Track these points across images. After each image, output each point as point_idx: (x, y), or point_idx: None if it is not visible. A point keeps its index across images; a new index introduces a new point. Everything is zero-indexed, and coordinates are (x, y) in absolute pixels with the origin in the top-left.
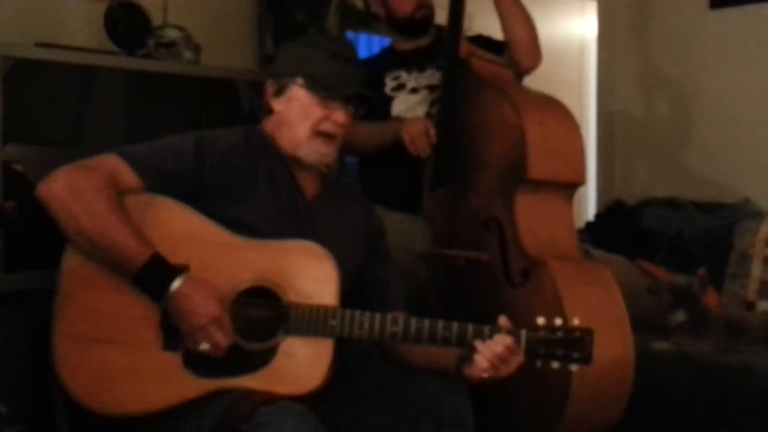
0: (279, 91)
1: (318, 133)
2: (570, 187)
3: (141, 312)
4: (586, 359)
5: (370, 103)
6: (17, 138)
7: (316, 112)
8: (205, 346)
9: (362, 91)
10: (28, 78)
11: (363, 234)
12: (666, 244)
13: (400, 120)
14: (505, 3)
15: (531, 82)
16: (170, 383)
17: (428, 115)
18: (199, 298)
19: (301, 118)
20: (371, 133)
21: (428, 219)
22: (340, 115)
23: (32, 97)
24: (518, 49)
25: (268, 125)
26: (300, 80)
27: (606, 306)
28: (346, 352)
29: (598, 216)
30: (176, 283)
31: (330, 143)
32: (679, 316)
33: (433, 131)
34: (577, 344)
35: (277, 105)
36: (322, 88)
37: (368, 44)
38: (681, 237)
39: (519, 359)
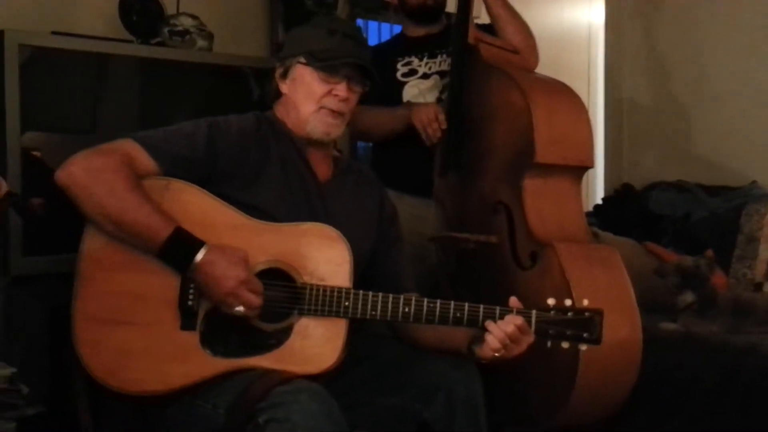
0: (284, 73)
1: (323, 108)
2: (578, 170)
3: (159, 293)
4: (596, 339)
5: (373, 77)
6: (35, 125)
7: (319, 87)
8: (239, 309)
9: (359, 61)
10: (45, 66)
11: (375, 217)
12: (673, 227)
13: (410, 106)
14: (495, 8)
15: (540, 68)
16: (188, 363)
17: (439, 100)
18: (225, 263)
19: (305, 96)
20: (383, 120)
21: (438, 203)
22: (341, 89)
23: (49, 85)
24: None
25: (278, 109)
26: (301, 58)
27: (614, 288)
28: (358, 333)
29: (605, 199)
30: (201, 253)
31: (336, 116)
32: (687, 297)
33: (443, 116)
34: (587, 324)
35: (284, 87)
36: (320, 61)
37: (378, 32)
38: (688, 220)
39: (530, 339)
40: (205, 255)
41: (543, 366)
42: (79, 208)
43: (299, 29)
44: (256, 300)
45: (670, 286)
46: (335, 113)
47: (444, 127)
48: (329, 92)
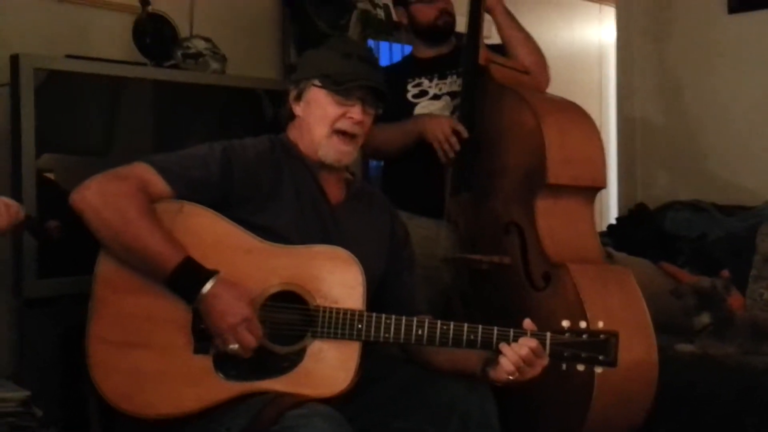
0: (298, 96)
1: (336, 132)
2: (590, 190)
3: (172, 316)
4: (611, 362)
5: (386, 99)
6: (50, 148)
7: (333, 110)
8: (234, 347)
9: (374, 84)
10: (59, 89)
11: (387, 240)
12: (689, 247)
13: (421, 118)
14: (506, 29)
15: (550, 88)
16: (201, 386)
17: None
18: (231, 299)
19: (319, 119)
20: (393, 136)
21: (451, 223)
22: (356, 112)
23: (63, 108)
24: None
25: (292, 132)
26: (316, 81)
27: (628, 309)
28: (371, 355)
29: (619, 219)
30: (208, 285)
31: (349, 142)
32: (704, 318)
33: (461, 126)
34: (602, 347)
35: (298, 109)
36: (334, 83)
37: (389, 52)
38: (704, 240)
39: (544, 362)
40: (211, 288)
41: (558, 388)
42: (92, 231)
43: (313, 52)
44: (252, 341)
45: (687, 307)
46: (348, 138)
47: (465, 136)
48: (343, 115)
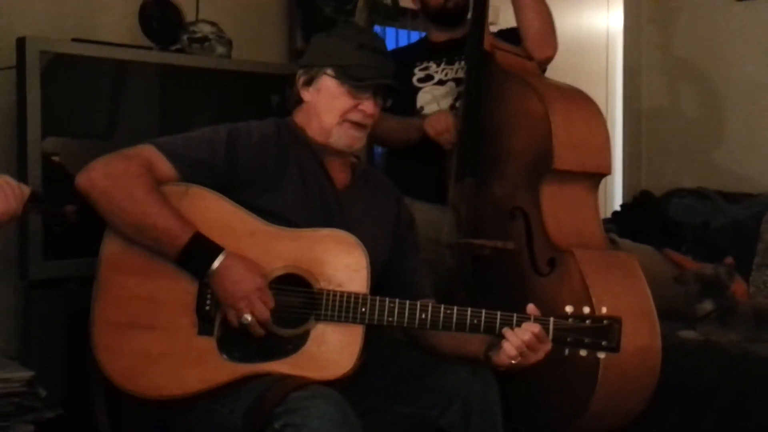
0: (308, 82)
1: (347, 121)
2: (595, 177)
3: (177, 298)
4: (614, 347)
5: (399, 93)
6: (55, 131)
7: (345, 102)
8: (247, 317)
9: (390, 82)
10: (66, 72)
11: (392, 224)
12: (692, 235)
13: (424, 117)
14: None
15: (557, 74)
16: (205, 367)
17: (452, 107)
18: (243, 270)
19: (330, 108)
20: (397, 130)
21: (453, 209)
22: (368, 105)
23: (69, 91)
24: (530, 39)
25: (298, 116)
26: (329, 70)
27: (633, 295)
28: (374, 339)
29: (624, 206)
30: (219, 259)
31: (358, 128)
32: (707, 305)
33: (451, 121)
34: (605, 332)
35: (307, 95)
36: (351, 78)
37: (395, 38)
38: (708, 227)
39: (547, 347)
40: (223, 261)
41: (562, 373)
42: (99, 213)
43: (326, 38)
44: (265, 311)
45: (690, 294)
46: (359, 126)
47: (457, 131)
48: (355, 107)
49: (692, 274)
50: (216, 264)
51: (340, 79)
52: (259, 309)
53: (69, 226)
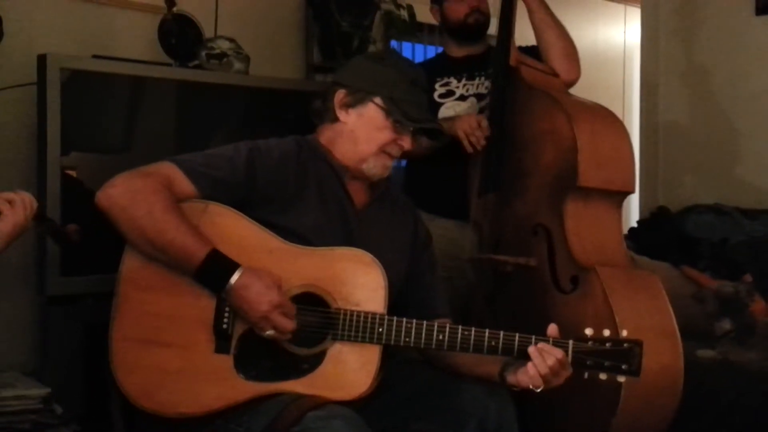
0: (351, 104)
1: (383, 152)
2: (619, 195)
3: (194, 315)
4: (634, 371)
5: (440, 136)
6: (74, 146)
7: (387, 134)
8: (270, 332)
9: (436, 126)
10: (85, 88)
11: (410, 243)
12: (711, 251)
13: (450, 119)
14: (538, 13)
15: (574, 88)
16: (222, 386)
17: None
18: (261, 287)
19: (370, 137)
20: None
21: (475, 224)
22: (407, 142)
23: (89, 106)
24: (552, 59)
25: (324, 134)
26: (378, 100)
27: (656, 314)
28: (389, 358)
29: (641, 222)
30: (237, 275)
31: (392, 159)
32: (725, 324)
33: (485, 123)
34: (625, 356)
35: (345, 116)
36: (403, 115)
37: (412, 53)
38: (726, 244)
39: (567, 372)
40: (239, 278)
41: (583, 393)
42: (118, 229)
43: (377, 66)
44: (288, 324)
45: (708, 312)
46: (393, 157)
47: (487, 134)
48: (394, 141)
49: (711, 292)
50: (233, 280)
51: (389, 111)
52: (281, 324)
53: (71, 245)
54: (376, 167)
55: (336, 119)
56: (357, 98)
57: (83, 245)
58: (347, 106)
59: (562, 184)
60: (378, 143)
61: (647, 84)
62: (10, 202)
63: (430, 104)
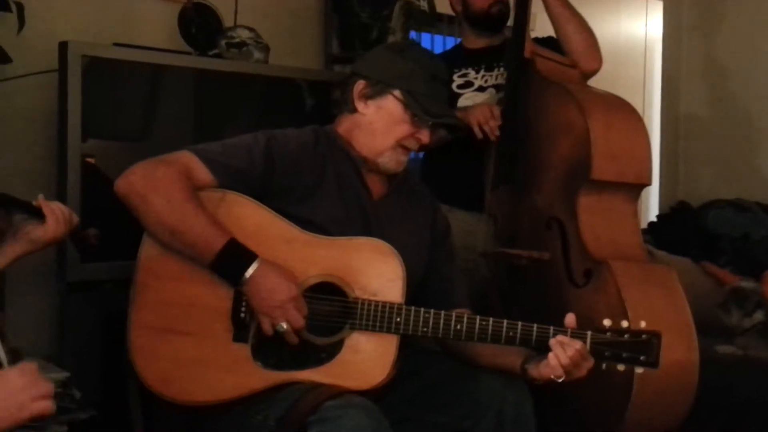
0: (370, 95)
1: (400, 146)
2: (635, 187)
3: (213, 304)
4: (653, 362)
5: (458, 131)
6: (94, 133)
7: (405, 128)
8: (282, 326)
9: (455, 122)
10: (106, 76)
11: (428, 233)
12: (731, 247)
13: (464, 108)
14: (555, 7)
15: (594, 81)
16: (239, 374)
17: None
18: (277, 278)
19: (388, 130)
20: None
21: (490, 217)
22: (425, 136)
23: (109, 94)
24: (572, 52)
25: (343, 125)
26: (397, 92)
27: (670, 308)
28: (407, 348)
29: (660, 217)
30: (253, 267)
31: (408, 154)
32: (759, 315)
33: (498, 112)
34: (644, 347)
35: (364, 107)
36: (422, 110)
37: (431, 44)
38: (747, 240)
39: (589, 364)
40: (257, 268)
41: (597, 386)
42: (136, 217)
43: (398, 58)
44: (300, 319)
45: (746, 307)
46: (408, 150)
47: (500, 123)
48: (412, 135)
49: (746, 291)
50: (250, 271)
51: (407, 105)
52: (294, 317)
53: (90, 248)
54: (390, 162)
55: (354, 110)
56: (376, 90)
57: (103, 232)
58: (366, 97)
59: (576, 177)
60: (396, 136)
61: (668, 78)
62: (56, 213)
63: (448, 97)
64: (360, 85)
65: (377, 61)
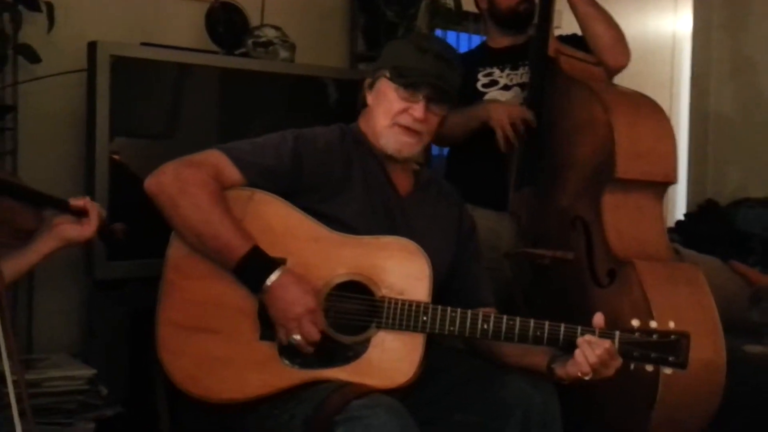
0: (371, 85)
1: (396, 125)
2: (660, 186)
3: (240, 303)
4: (681, 363)
5: (454, 100)
6: (123, 132)
7: (397, 104)
8: (296, 338)
9: (437, 81)
10: (134, 75)
11: (455, 231)
12: (761, 246)
13: (486, 103)
14: (580, 4)
15: (620, 79)
16: (266, 372)
17: None
18: (296, 290)
19: (383, 110)
20: (457, 121)
21: (514, 216)
22: (418, 109)
23: (137, 93)
24: (600, 49)
25: (362, 121)
26: (386, 72)
27: (696, 308)
28: (433, 346)
29: (688, 215)
30: (274, 276)
31: (410, 134)
32: None
33: (530, 115)
34: (672, 347)
35: (370, 98)
36: (400, 77)
37: (456, 42)
38: None
39: (618, 363)
40: (277, 278)
41: (622, 388)
42: (164, 216)
43: (394, 43)
44: (314, 334)
45: (761, 306)
46: (410, 131)
47: (534, 126)
48: (405, 110)
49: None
50: (272, 278)
51: (393, 80)
52: (309, 331)
53: (117, 243)
54: (389, 141)
55: (365, 104)
56: (375, 78)
57: (130, 230)
58: (369, 88)
59: (600, 177)
60: (390, 114)
61: (698, 75)
62: (89, 213)
63: (473, 93)
64: (368, 79)
65: (382, 53)
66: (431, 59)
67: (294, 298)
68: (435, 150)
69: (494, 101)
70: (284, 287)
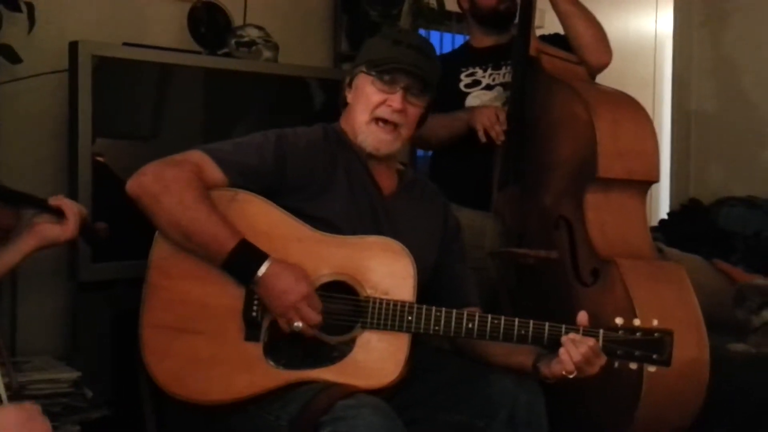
0: (350, 83)
1: (375, 120)
2: (642, 184)
3: (224, 303)
4: (665, 361)
5: (432, 88)
6: (105, 133)
7: (375, 96)
8: (297, 325)
9: (413, 68)
10: (116, 76)
11: (439, 231)
12: (743, 245)
13: (470, 109)
14: (563, 7)
15: (602, 78)
16: (251, 373)
17: None
18: (289, 278)
19: (362, 105)
20: (441, 125)
21: (498, 216)
22: (396, 100)
23: (119, 94)
24: (582, 48)
25: (343, 119)
26: (363, 67)
27: (679, 306)
28: (419, 347)
29: (671, 214)
30: (265, 266)
31: (388, 131)
32: (765, 313)
33: (503, 116)
34: (656, 345)
35: (349, 97)
36: (375, 67)
37: (440, 42)
38: (759, 237)
39: (602, 361)
40: (268, 268)
41: (607, 385)
42: (148, 217)
43: (369, 40)
44: (315, 316)
45: (751, 308)
46: (389, 127)
47: (506, 128)
48: (383, 102)
49: (755, 287)
50: (262, 270)
51: (369, 73)
52: (309, 315)
53: (99, 242)
54: (367, 138)
55: (346, 103)
56: (353, 75)
57: (114, 231)
58: (349, 86)
59: (582, 175)
60: (368, 108)
61: (679, 74)
62: (74, 211)
63: (455, 94)
64: (346, 78)
65: (360, 51)
66: (405, 49)
67: (287, 286)
68: (419, 150)
69: (476, 107)
70: (276, 276)
